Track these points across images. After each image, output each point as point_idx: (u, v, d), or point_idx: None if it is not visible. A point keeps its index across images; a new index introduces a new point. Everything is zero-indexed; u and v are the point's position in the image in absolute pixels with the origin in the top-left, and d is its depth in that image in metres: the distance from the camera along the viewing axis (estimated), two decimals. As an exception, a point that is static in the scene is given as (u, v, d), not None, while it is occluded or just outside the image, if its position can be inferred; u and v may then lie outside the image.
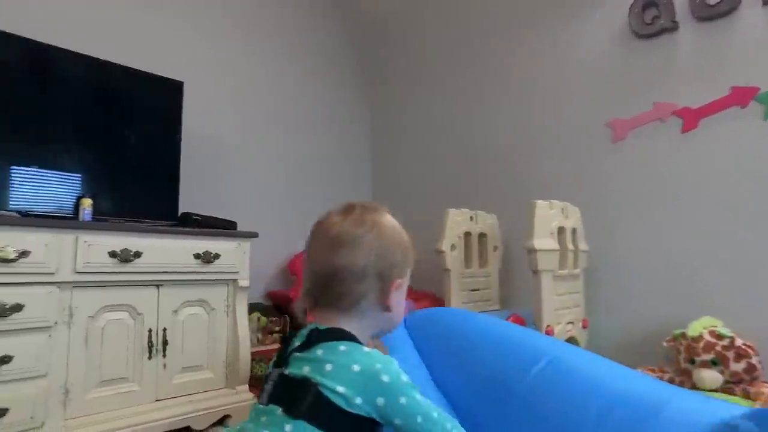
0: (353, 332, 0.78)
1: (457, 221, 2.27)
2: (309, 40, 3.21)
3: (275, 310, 2.68)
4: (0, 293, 1.46)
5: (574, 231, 2.09)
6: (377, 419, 0.71)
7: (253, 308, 2.69)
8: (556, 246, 1.94)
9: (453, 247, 2.23)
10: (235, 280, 2.06)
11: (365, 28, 3.56)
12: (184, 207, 2.34)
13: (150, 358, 1.79)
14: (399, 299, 0.84)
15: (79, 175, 1.91)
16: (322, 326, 0.78)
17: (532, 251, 1.88)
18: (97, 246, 1.66)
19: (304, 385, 0.71)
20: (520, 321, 1.89)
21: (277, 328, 2.48)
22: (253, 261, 2.70)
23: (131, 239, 1.75)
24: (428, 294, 2.64)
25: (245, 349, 2.03)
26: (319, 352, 0.74)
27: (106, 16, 2.26)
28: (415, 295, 2.73)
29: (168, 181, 2.14)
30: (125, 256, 1.72)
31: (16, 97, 1.78)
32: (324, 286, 0.80)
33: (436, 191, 3.04)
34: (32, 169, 1.78)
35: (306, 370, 0.72)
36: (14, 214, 1.63)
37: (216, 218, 2.23)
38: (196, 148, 2.55)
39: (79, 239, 1.62)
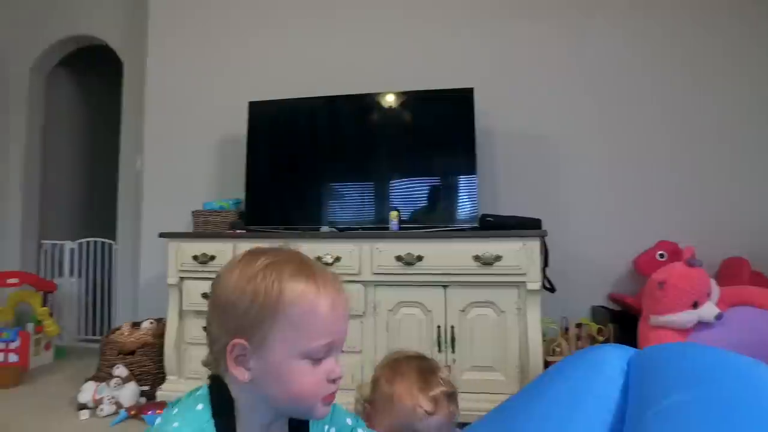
0: (236, 399, 0.66)
1: None
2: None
3: (613, 315, 2.29)
4: (326, 288, 2.03)
5: None
6: None
7: (595, 312, 2.43)
8: None
9: None
10: (523, 282, 1.94)
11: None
12: (506, 208, 2.42)
13: (440, 351, 1.97)
14: (266, 369, 0.63)
15: (390, 190, 2.33)
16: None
17: None
18: (386, 252, 2.00)
19: None
20: None
21: (601, 338, 2.12)
22: (595, 261, 2.46)
23: (414, 245, 1.99)
24: None
25: (536, 356, 1.89)
26: None
27: (401, 57, 2.65)
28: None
29: (466, 186, 2.26)
30: (409, 260, 1.98)
31: (344, 136, 2.39)
32: None
33: None
34: (353, 189, 2.34)
35: None
36: (333, 229, 2.19)
37: (515, 217, 2.18)
38: (522, 149, 2.55)
39: (372, 247, 2.01)
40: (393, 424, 0.83)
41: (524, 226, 2.05)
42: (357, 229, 2.25)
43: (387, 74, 2.59)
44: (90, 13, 3.29)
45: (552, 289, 2.16)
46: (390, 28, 2.70)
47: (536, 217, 2.20)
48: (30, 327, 2.74)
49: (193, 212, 2.44)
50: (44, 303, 2.87)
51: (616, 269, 2.49)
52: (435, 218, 2.27)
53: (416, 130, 2.36)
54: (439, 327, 1.98)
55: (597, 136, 2.53)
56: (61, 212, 3.70)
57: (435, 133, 2.34)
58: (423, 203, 2.31)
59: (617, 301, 2.37)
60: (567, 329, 2.23)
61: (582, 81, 2.55)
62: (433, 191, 2.33)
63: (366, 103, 2.38)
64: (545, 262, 2.15)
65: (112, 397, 1.98)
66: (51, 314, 2.88)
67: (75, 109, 3.88)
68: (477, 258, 1.95)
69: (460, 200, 2.29)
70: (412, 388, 0.85)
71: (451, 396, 0.89)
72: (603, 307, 2.44)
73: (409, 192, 2.32)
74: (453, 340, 1.96)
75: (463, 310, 1.98)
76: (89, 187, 3.98)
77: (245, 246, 2.08)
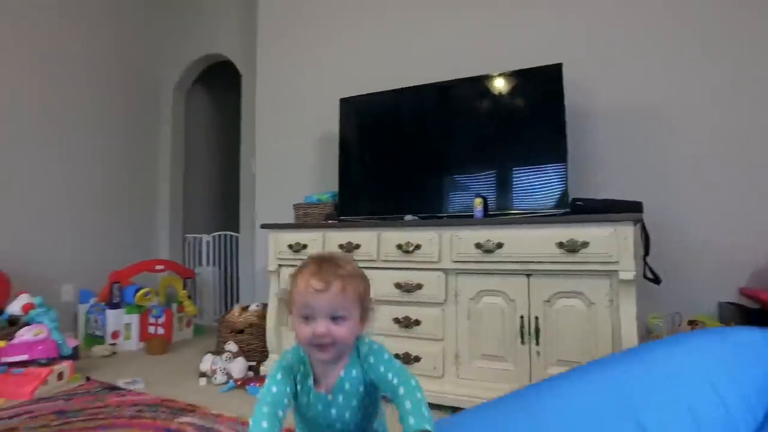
0: None
1: None
2: None
3: (744, 313, 1.96)
4: (406, 275, 2.06)
5: None
6: None
7: (722, 309, 2.12)
8: None
9: None
10: (615, 272, 1.77)
11: None
12: (608, 191, 2.25)
13: (523, 343, 1.88)
14: None
15: (476, 178, 2.27)
16: None
17: None
18: (466, 239, 1.97)
19: None
20: None
21: (721, 338, 1.83)
22: (724, 250, 2.16)
23: (493, 231, 1.93)
24: None
25: (631, 354, 1.70)
26: None
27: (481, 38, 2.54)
28: None
29: (554, 168, 2.11)
30: (488, 247, 1.93)
31: (428, 125, 2.38)
32: None
33: None
34: (438, 178, 2.32)
35: None
36: (416, 217, 2.20)
37: (609, 200, 1.98)
38: (624, 127, 2.32)
39: (453, 234, 1.99)
40: (295, 310, 0.94)
41: (618, 209, 1.85)
42: (443, 216, 2.24)
43: (473, 59, 2.53)
44: (216, 34, 3.75)
45: (656, 280, 1.93)
46: (474, 10, 2.64)
47: (642, 200, 1.98)
48: (173, 307, 3.23)
49: (294, 205, 2.65)
50: (184, 287, 3.36)
51: (753, 260, 2.12)
52: (522, 204, 2.16)
53: (502, 114, 2.26)
54: (522, 317, 1.89)
55: (720, 104, 2.18)
56: (200, 209, 4.28)
57: (522, 116, 2.22)
58: (510, 189, 2.22)
59: (751, 296, 2.03)
60: (680, 326, 1.97)
61: (696, 43, 2.22)
62: (520, 176, 2.22)
63: (448, 90, 2.36)
64: (645, 250, 1.93)
65: (224, 369, 2.26)
66: (190, 297, 3.36)
67: (208, 121, 4.45)
68: (561, 245, 1.82)
69: (549, 184, 2.14)
70: (306, 274, 0.94)
71: (349, 277, 0.94)
72: (732, 303, 2.10)
73: (496, 178, 2.25)
74: (537, 331, 1.86)
75: (548, 301, 1.87)
76: (221, 187, 4.53)
77: (334, 235, 2.23)
